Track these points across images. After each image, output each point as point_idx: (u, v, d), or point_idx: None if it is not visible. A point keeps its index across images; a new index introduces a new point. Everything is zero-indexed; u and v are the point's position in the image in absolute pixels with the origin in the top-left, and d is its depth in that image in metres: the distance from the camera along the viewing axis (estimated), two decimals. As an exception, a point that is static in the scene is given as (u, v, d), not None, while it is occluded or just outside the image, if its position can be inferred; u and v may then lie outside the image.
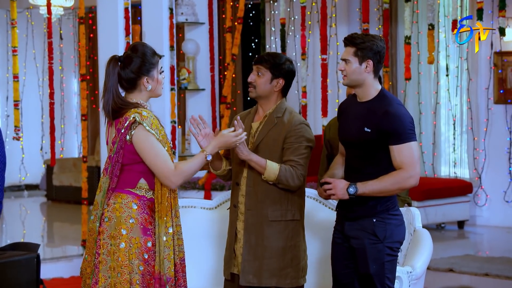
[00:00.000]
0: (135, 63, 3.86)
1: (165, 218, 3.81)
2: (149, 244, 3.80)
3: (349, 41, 4.09)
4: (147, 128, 3.76)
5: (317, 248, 4.88)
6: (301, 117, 4.41)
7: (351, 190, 4.02)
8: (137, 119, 3.76)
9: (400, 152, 3.98)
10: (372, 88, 4.10)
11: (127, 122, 3.78)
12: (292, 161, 4.29)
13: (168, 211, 3.83)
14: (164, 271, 3.79)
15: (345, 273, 4.19)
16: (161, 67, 3.92)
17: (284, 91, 4.43)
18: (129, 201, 3.83)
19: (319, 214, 4.94)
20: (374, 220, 4.07)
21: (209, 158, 3.91)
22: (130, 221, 3.79)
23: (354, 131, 4.10)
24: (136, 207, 3.83)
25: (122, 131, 3.79)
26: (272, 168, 4.25)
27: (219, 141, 3.99)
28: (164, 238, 3.80)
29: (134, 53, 3.87)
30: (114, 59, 3.90)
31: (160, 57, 3.93)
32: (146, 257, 3.79)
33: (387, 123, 3.99)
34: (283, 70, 4.36)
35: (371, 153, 4.07)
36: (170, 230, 3.82)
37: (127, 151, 3.83)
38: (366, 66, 4.05)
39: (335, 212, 4.34)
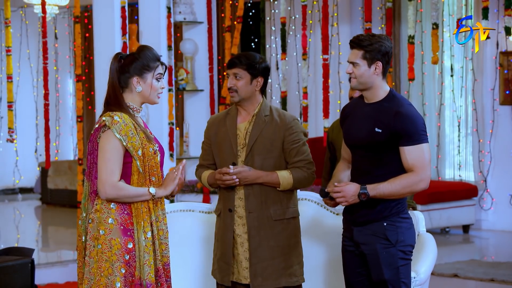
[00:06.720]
0: (131, 61, 3.89)
1: (142, 223, 3.81)
2: (130, 245, 3.79)
3: (356, 43, 4.05)
4: (115, 133, 3.77)
5: (321, 253, 4.88)
6: (288, 112, 4.56)
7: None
8: (107, 123, 3.79)
9: (411, 153, 3.94)
10: (381, 90, 4.07)
11: (98, 124, 3.84)
12: (300, 161, 4.40)
13: (146, 215, 3.82)
14: (144, 276, 3.79)
15: (358, 281, 4.15)
16: (159, 74, 3.92)
17: (262, 89, 4.50)
18: (108, 202, 3.84)
19: (323, 219, 4.92)
20: (385, 224, 4.03)
21: (153, 191, 3.80)
22: (109, 221, 3.80)
23: (363, 132, 4.05)
24: (114, 207, 3.83)
25: (92, 132, 3.86)
26: (285, 178, 4.36)
27: (166, 183, 3.88)
28: (144, 244, 3.80)
29: (136, 53, 3.91)
30: (116, 56, 3.92)
31: (163, 64, 3.94)
32: (127, 258, 3.79)
33: (399, 124, 3.95)
34: (260, 68, 4.42)
35: (381, 155, 4.03)
36: (149, 235, 3.82)
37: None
38: (375, 68, 4.03)
39: (340, 217, 4.34)
